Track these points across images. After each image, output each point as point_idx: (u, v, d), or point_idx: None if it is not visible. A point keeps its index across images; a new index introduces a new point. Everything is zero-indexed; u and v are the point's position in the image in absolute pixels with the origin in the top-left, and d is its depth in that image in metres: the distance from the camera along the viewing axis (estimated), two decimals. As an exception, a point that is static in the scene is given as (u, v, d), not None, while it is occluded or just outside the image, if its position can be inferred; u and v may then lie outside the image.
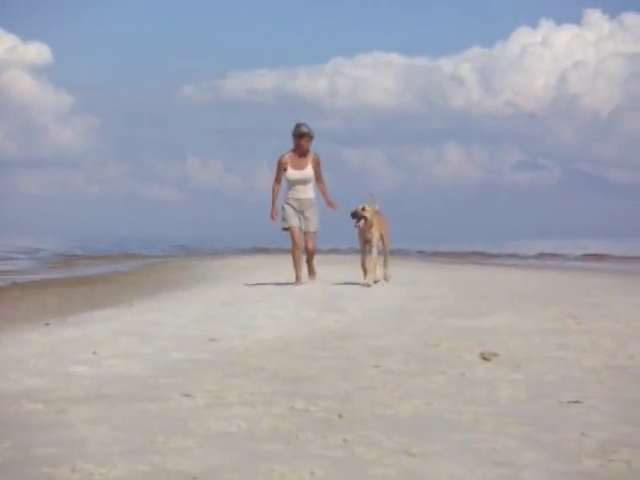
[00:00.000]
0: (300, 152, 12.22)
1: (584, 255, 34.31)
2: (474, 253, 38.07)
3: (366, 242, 11.92)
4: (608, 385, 4.97)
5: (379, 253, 12.24)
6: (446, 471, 3.22)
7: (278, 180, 12.27)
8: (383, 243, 12.39)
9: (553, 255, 35.46)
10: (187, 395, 4.59)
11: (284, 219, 12.19)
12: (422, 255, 35.89)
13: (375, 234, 11.96)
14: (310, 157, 12.24)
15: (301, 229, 12.18)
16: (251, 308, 8.77)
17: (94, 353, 6.09)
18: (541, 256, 35.05)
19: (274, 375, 5.23)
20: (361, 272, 12.03)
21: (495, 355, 5.90)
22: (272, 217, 12.25)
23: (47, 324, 8.25)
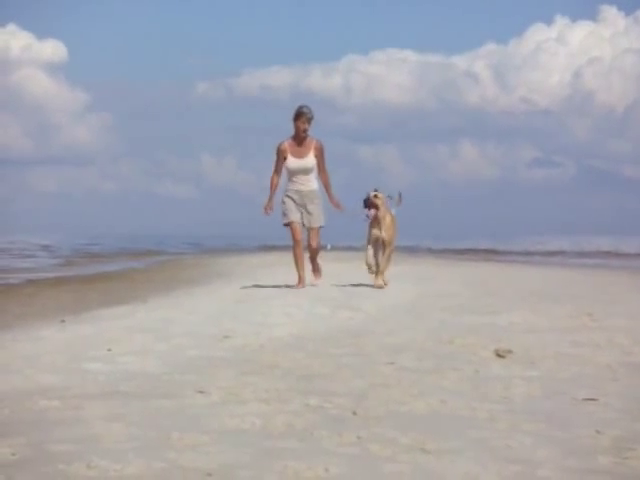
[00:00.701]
0: (300, 138, 10.98)
1: (599, 252, 34.20)
2: (488, 250, 38.00)
3: (377, 239, 10.76)
4: (623, 382, 4.95)
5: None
6: (461, 468, 3.21)
7: (278, 170, 11.08)
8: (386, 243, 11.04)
9: (568, 252, 35.35)
10: (202, 392, 4.59)
11: (284, 214, 11.00)
12: (436, 252, 35.84)
13: (389, 232, 10.80)
14: (312, 144, 11.00)
15: (304, 225, 11.03)
16: (265, 305, 8.77)
17: (109, 350, 6.11)
18: (556, 253, 34.95)
19: (288, 372, 5.24)
20: (365, 268, 11.01)
21: (510, 352, 5.88)
22: (266, 210, 11.03)
23: (62, 321, 8.27)
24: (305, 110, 10.96)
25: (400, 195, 11.22)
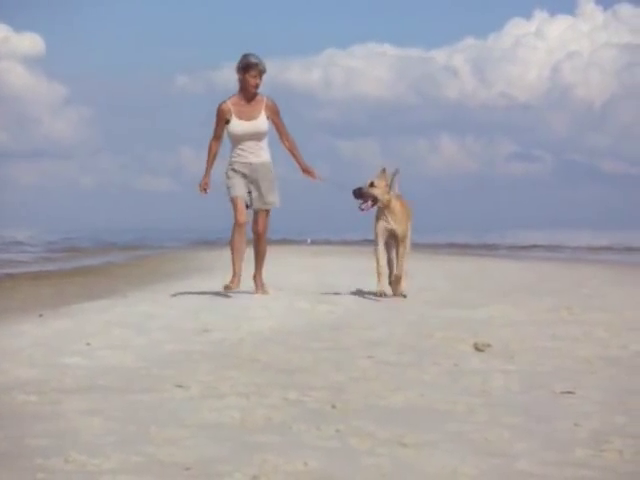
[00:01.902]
0: (248, 95, 8.79)
1: (577, 246, 34.35)
2: (467, 244, 38.09)
3: (388, 234, 8.97)
4: (601, 375, 4.98)
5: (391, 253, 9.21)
6: (439, 461, 3.22)
7: (218, 137, 8.88)
8: (404, 237, 9.06)
9: (547, 246, 35.49)
10: (180, 386, 4.59)
11: (228, 187, 8.84)
12: (415, 246, 35.92)
13: (402, 224, 8.96)
14: (263, 103, 8.82)
15: (251, 206, 8.90)
16: (245, 299, 8.76)
17: (88, 344, 6.09)
18: (535, 247, 35.08)
19: (267, 366, 5.23)
20: (373, 269, 9.12)
21: (489, 346, 5.90)
22: (201, 189, 8.92)
23: (40, 315, 8.23)
24: (255, 60, 8.81)
25: (397, 170, 9.07)
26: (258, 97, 8.89)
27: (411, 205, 9.35)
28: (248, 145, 8.84)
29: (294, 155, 9.04)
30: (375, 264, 8.96)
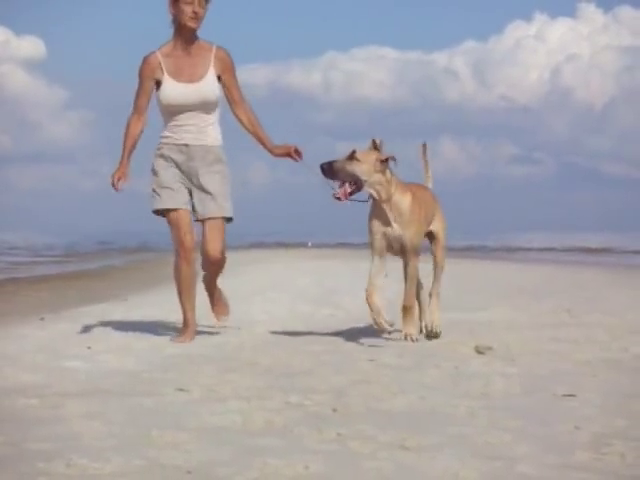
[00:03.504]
0: (185, 37, 6.07)
1: (579, 248, 34.35)
2: (468, 247, 38.09)
3: (393, 245, 6.15)
4: (602, 378, 4.98)
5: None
6: (440, 465, 3.22)
7: (140, 109, 6.18)
8: (436, 251, 6.62)
9: (547, 249, 35.49)
10: (182, 390, 4.59)
11: (154, 192, 6.16)
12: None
13: (412, 228, 6.07)
14: (211, 54, 6.13)
15: (193, 213, 6.26)
16: (245, 303, 8.77)
17: (89, 348, 6.09)
18: (535, 250, 35.07)
19: (268, 370, 5.23)
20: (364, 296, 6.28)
21: (490, 349, 5.90)
22: (114, 183, 6.12)
23: (42, 319, 8.24)
24: None
25: (425, 147, 6.56)
26: (203, 45, 6.14)
27: (435, 197, 6.51)
28: (187, 120, 6.11)
29: (256, 134, 6.24)
30: (365, 289, 6.15)
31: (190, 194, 6.24)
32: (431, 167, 6.59)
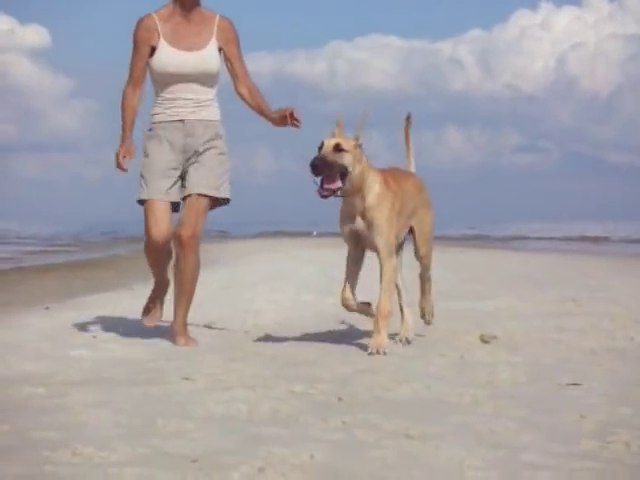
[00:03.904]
0: (186, 7, 5.56)
1: (583, 237, 34.32)
2: (473, 236, 38.07)
3: (361, 245, 5.49)
4: (607, 367, 4.98)
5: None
6: (445, 453, 3.22)
7: (137, 79, 5.62)
8: (419, 246, 5.78)
9: (552, 238, 35.46)
10: (187, 379, 4.59)
11: (142, 177, 5.60)
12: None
13: (385, 226, 5.31)
14: (214, 23, 5.63)
15: (182, 198, 5.63)
16: (250, 292, 8.77)
17: (94, 337, 6.10)
18: (539, 239, 35.04)
19: (274, 359, 5.24)
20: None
21: (494, 338, 5.90)
22: (119, 163, 5.59)
23: (47, 308, 8.25)
24: None
25: (409, 120, 5.93)
26: (206, 13, 5.64)
27: (421, 183, 5.83)
28: (183, 93, 5.57)
29: (258, 105, 5.69)
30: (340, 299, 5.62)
31: (183, 176, 5.63)
32: (413, 148, 5.94)
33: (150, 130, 5.67)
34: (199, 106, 5.59)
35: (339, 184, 5.16)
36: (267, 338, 6.04)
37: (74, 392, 4.25)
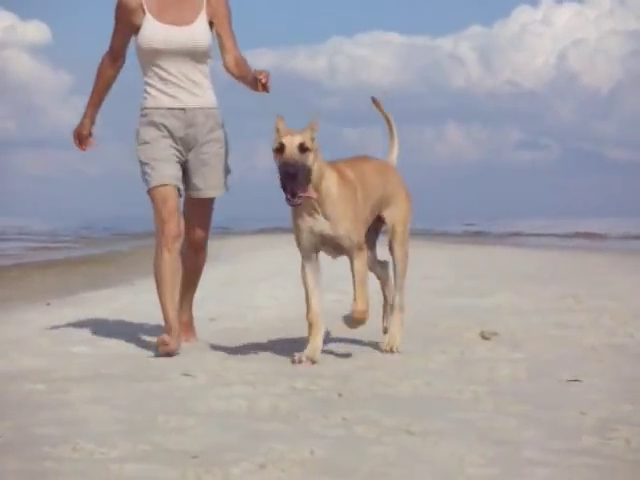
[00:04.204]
0: None
1: (584, 234, 34.31)
2: (473, 232, 38.07)
3: (318, 245, 4.95)
4: (608, 363, 4.98)
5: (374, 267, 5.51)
6: (445, 449, 3.22)
7: (117, 51, 5.31)
8: (394, 250, 5.28)
9: (553, 234, 35.45)
10: (187, 375, 4.59)
11: (145, 164, 5.23)
12: (420, 234, 35.91)
13: (346, 220, 4.84)
14: None
15: (186, 191, 5.34)
16: (250, 288, 8.77)
17: (94, 333, 6.10)
18: (541, 235, 35.04)
19: (274, 355, 5.24)
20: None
21: (495, 334, 5.90)
22: (80, 143, 5.42)
23: (47, 304, 8.26)
24: None
25: (375, 101, 5.45)
26: None
27: (393, 170, 5.34)
28: (176, 72, 5.22)
29: (243, 76, 5.22)
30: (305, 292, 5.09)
31: (183, 166, 5.31)
32: (398, 137, 5.41)
33: (146, 115, 5.28)
34: (195, 88, 5.25)
35: (311, 190, 4.71)
36: (267, 334, 6.04)
37: (75, 388, 4.26)
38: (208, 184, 5.34)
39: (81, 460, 3.09)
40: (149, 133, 5.26)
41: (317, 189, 4.75)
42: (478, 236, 34.50)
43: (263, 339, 5.82)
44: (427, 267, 12.06)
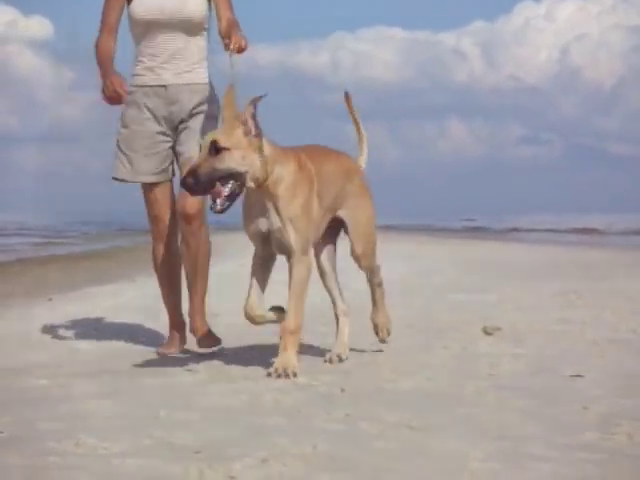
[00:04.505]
0: None
1: (586, 229, 34.29)
2: (475, 228, 38.06)
3: (266, 239, 4.55)
4: (609, 359, 4.98)
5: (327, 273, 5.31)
6: (448, 445, 3.23)
7: (109, 25, 4.99)
8: (354, 243, 5.06)
9: (555, 230, 35.43)
10: (190, 370, 4.60)
11: (120, 153, 4.97)
12: (422, 230, 35.89)
13: (301, 213, 4.40)
14: None
15: (172, 170, 5.01)
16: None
17: (97, 329, 6.11)
18: (542, 231, 35.02)
19: (276, 350, 5.24)
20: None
21: (497, 329, 5.91)
22: (112, 96, 4.75)
23: (50, 299, 8.26)
24: None
25: (347, 95, 4.92)
26: None
27: (351, 162, 4.89)
28: (165, 46, 4.90)
29: (228, 32, 4.73)
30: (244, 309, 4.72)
31: (172, 147, 4.97)
32: (366, 136, 4.99)
33: (130, 93, 4.89)
34: (183, 62, 4.89)
35: (226, 192, 4.21)
36: (269, 330, 6.04)
37: (77, 383, 4.26)
38: (190, 150, 4.79)
39: (84, 455, 3.10)
40: (130, 116, 4.94)
41: (265, 181, 4.28)
42: (479, 232, 34.47)
43: (264, 334, 5.82)
44: (429, 263, 12.07)
